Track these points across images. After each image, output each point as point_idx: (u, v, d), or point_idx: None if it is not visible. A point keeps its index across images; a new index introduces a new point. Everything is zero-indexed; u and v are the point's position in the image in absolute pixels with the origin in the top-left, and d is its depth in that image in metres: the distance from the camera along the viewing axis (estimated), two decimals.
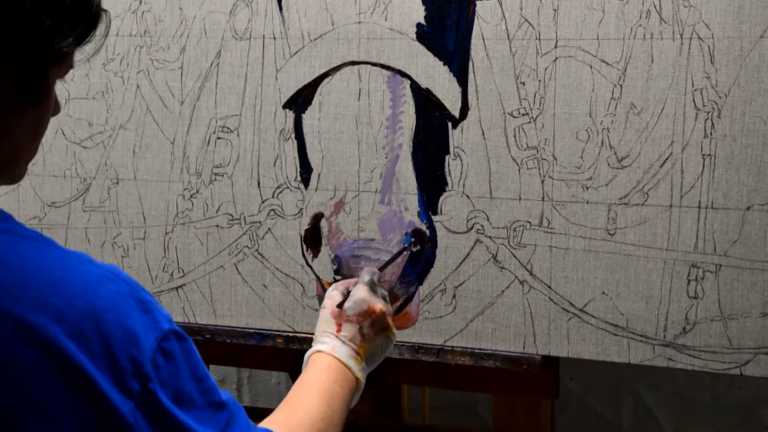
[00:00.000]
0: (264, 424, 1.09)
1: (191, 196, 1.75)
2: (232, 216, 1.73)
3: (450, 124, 1.58)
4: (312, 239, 1.67)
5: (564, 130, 1.51)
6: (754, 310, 1.43)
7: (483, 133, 1.56)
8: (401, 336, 1.63)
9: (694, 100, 1.44)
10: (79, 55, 1.01)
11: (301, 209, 1.67)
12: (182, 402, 0.93)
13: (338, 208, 1.64)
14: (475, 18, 1.54)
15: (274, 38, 1.67)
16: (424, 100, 1.58)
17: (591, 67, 1.49)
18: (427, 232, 1.60)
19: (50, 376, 0.87)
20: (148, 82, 1.76)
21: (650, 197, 1.47)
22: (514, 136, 1.54)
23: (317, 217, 1.66)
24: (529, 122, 1.53)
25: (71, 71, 1.04)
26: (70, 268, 0.92)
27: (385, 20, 1.59)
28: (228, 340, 1.74)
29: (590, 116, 1.49)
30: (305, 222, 1.67)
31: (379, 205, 1.61)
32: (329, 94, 1.64)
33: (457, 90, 1.56)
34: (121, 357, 0.89)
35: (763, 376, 1.44)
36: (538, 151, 1.53)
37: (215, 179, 1.73)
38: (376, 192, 1.61)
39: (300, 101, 1.66)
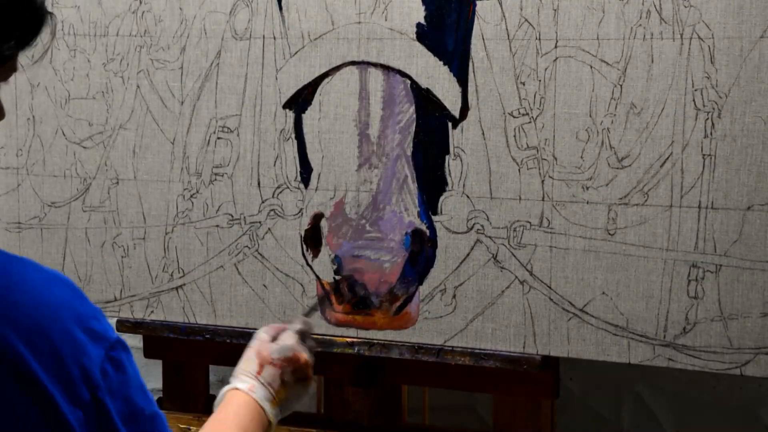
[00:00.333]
0: None
1: (191, 196, 1.75)
2: (232, 216, 1.73)
3: (450, 124, 1.58)
4: (312, 239, 1.67)
5: (564, 130, 1.51)
6: (754, 310, 1.43)
7: (483, 133, 1.56)
8: (401, 336, 1.63)
9: (694, 100, 1.44)
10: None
11: (301, 209, 1.67)
12: (132, 414, 0.94)
13: (338, 208, 1.64)
14: (475, 18, 1.54)
15: (274, 38, 1.67)
16: (424, 100, 1.58)
17: (591, 67, 1.49)
18: (427, 232, 1.60)
19: (8, 381, 0.87)
20: (149, 82, 1.76)
21: (650, 197, 1.47)
22: (514, 136, 1.54)
23: (317, 217, 1.66)
24: (529, 122, 1.53)
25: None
26: (15, 273, 0.91)
27: (385, 20, 1.59)
28: (228, 340, 1.74)
29: (590, 116, 1.49)
30: (305, 222, 1.67)
31: (379, 205, 1.61)
32: (329, 94, 1.64)
33: (457, 90, 1.56)
34: (70, 364, 0.89)
35: (763, 376, 1.44)
36: (538, 151, 1.53)
37: (215, 179, 1.73)
38: (376, 192, 1.61)
39: (300, 101, 1.66)
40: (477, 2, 1.54)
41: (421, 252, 1.60)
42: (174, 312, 1.78)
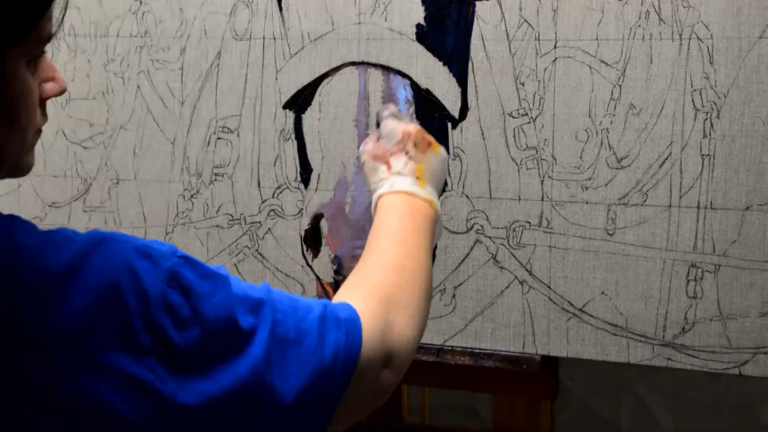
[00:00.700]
0: (338, 294, 0.99)
1: (191, 196, 1.75)
2: (232, 216, 1.73)
3: (450, 125, 1.58)
4: (312, 239, 1.67)
5: (563, 130, 1.51)
6: (753, 310, 1.44)
7: (482, 134, 1.56)
8: None
9: (693, 101, 1.44)
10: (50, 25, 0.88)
11: (301, 209, 1.68)
12: (226, 324, 0.85)
13: (338, 209, 1.64)
14: (475, 18, 1.54)
15: (274, 39, 1.67)
16: (424, 100, 1.58)
17: (590, 67, 1.49)
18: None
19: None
20: (149, 82, 1.76)
21: (649, 197, 1.48)
22: (514, 136, 1.54)
23: (317, 218, 1.66)
24: (529, 122, 1.53)
25: (68, 59, 0.98)
26: (57, 245, 0.84)
27: (385, 21, 1.59)
28: None
29: (589, 116, 1.50)
30: (305, 222, 1.67)
31: None
32: (329, 95, 1.64)
33: (456, 90, 1.56)
34: (129, 316, 0.82)
35: (762, 375, 1.44)
36: (537, 151, 1.53)
37: (215, 179, 1.73)
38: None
39: (300, 102, 1.67)
40: (476, 3, 1.54)
41: None
42: None
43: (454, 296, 1.60)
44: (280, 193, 1.70)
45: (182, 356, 0.84)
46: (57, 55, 1.81)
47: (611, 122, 1.49)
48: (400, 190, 1.12)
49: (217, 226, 1.74)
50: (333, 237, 1.65)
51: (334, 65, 1.63)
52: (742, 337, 1.44)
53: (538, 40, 1.51)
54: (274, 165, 1.69)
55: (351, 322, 0.93)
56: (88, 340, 0.82)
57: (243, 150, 1.71)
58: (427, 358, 1.62)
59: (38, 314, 0.82)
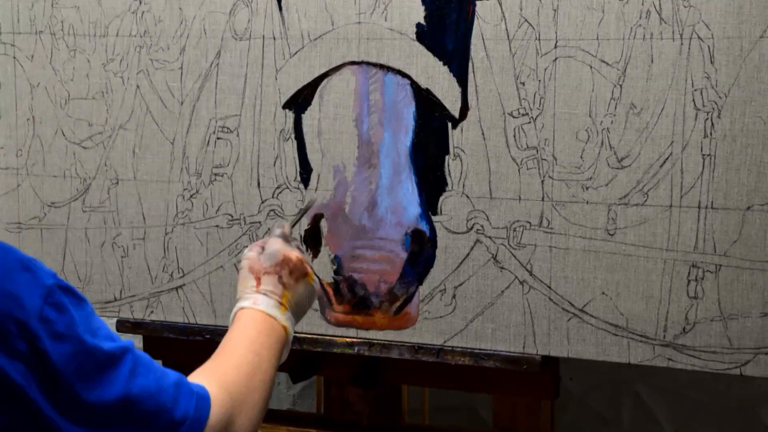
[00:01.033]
0: (192, 377, 1.08)
1: (191, 196, 1.75)
2: (232, 216, 1.73)
3: (450, 124, 1.58)
4: (312, 239, 1.67)
5: (564, 130, 1.51)
6: (753, 310, 1.43)
7: (483, 133, 1.56)
8: (401, 336, 1.63)
9: (694, 100, 1.44)
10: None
11: (301, 209, 1.67)
12: (84, 353, 0.93)
13: (338, 209, 1.64)
14: (475, 18, 1.54)
15: (274, 38, 1.67)
16: (424, 100, 1.58)
17: (591, 67, 1.48)
18: (427, 232, 1.59)
19: None
20: (148, 82, 1.76)
21: (650, 197, 1.47)
22: (514, 136, 1.54)
23: (317, 218, 1.66)
24: (529, 122, 1.53)
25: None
26: None
27: (385, 20, 1.59)
28: None
29: (590, 116, 1.49)
30: (305, 222, 1.66)
31: (378, 205, 1.61)
32: (329, 94, 1.64)
33: (456, 90, 1.56)
34: (5, 320, 0.89)
35: (762, 376, 1.44)
36: (537, 151, 1.53)
37: (215, 179, 1.73)
38: (375, 192, 1.61)
39: (300, 101, 1.66)
40: (477, 2, 1.54)
41: (420, 252, 1.60)
42: (174, 312, 1.78)
43: (454, 296, 1.60)
44: (280, 193, 1.69)
45: (54, 369, 0.91)
46: (56, 54, 1.80)
47: (612, 122, 1.48)
48: (260, 309, 1.22)
49: (217, 226, 1.74)
50: (333, 237, 1.64)
51: (334, 65, 1.63)
52: (743, 337, 1.44)
53: (539, 39, 1.51)
54: (274, 165, 1.69)
55: (202, 399, 1.03)
56: None
57: (242, 150, 1.71)
58: (427, 358, 1.62)
59: None
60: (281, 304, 1.23)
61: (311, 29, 1.64)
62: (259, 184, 1.70)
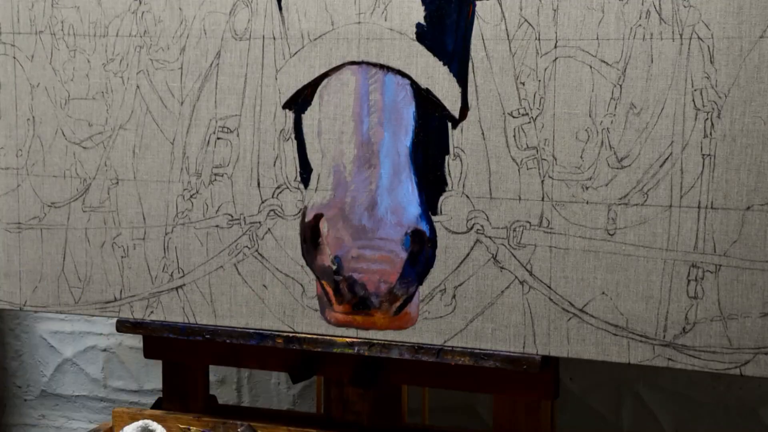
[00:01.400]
0: None
1: (191, 196, 1.75)
2: (232, 216, 1.73)
3: (450, 124, 1.58)
4: (312, 239, 1.67)
5: (564, 130, 1.51)
6: (753, 311, 1.43)
7: (483, 133, 1.56)
8: (401, 336, 1.63)
9: (693, 100, 1.44)
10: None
11: (301, 209, 1.67)
12: None
13: (338, 209, 1.64)
14: (475, 18, 1.54)
15: (274, 38, 1.67)
16: (424, 100, 1.58)
17: (591, 67, 1.49)
18: (427, 232, 1.59)
19: None
20: (148, 82, 1.76)
21: (650, 197, 1.47)
22: (514, 136, 1.54)
23: (317, 218, 1.66)
24: (529, 122, 1.53)
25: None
26: None
27: (385, 20, 1.59)
28: (228, 341, 1.74)
29: (590, 116, 1.49)
30: (305, 222, 1.66)
31: (378, 205, 1.61)
32: (329, 95, 1.64)
33: (456, 90, 1.56)
34: None
35: (762, 376, 1.44)
36: (537, 151, 1.53)
37: (215, 179, 1.73)
38: (375, 192, 1.61)
39: (300, 101, 1.66)
40: (477, 2, 1.54)
41: (420, 252, 1.60)
42: (174, 312, 1.78)
43: (454, 296, 1.60)
44: (280, 193, 1.69)
45: None
46: (56, 54, 1.81)
47: (612, 122, 1.48)
48: None
49: (217, 226, 1.74)
50: (332, 237, 1.64)
51: (334, 65, 1.63)
52: (742, 337, 1.44)
53: (539, 39, 1.51)
54: (274, 165, 1.69)
55: None
56: None
57: (243, 150, 1.71)
58: (427, 358, 1.62)
59: None
60: None
61: (311, 29, 1.64)
62: (259, 184, 1.70)
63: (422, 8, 1.56)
